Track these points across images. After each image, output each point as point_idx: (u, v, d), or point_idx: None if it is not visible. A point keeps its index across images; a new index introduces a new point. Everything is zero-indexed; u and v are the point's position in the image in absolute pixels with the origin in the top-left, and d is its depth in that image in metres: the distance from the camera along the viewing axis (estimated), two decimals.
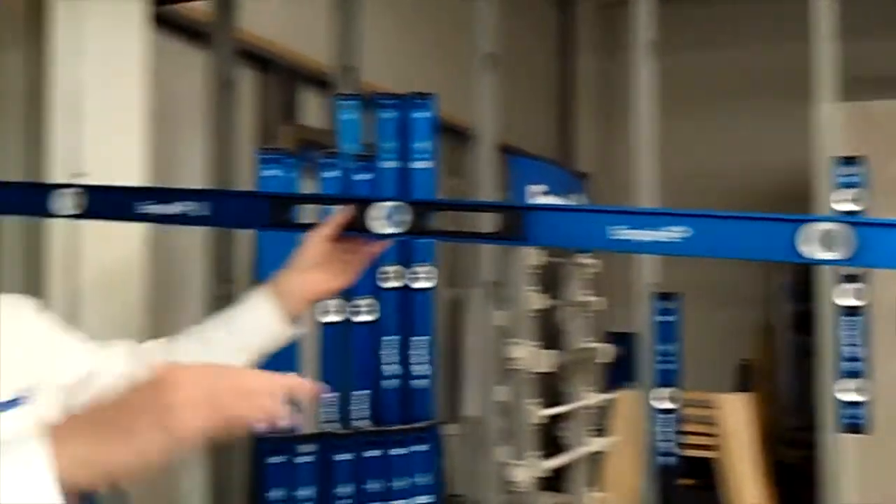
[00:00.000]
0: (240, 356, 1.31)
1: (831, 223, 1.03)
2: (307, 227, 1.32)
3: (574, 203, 2.82)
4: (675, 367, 2.17)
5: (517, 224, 1.21)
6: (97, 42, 2.16)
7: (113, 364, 1.28)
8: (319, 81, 3.17)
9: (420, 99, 1.95)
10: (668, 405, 2.18)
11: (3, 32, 2.50)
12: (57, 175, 2.15)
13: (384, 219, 1.27)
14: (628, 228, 1.13)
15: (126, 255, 2.26)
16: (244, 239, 2.72)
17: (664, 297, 2.11)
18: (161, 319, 2.39)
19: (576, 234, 1.21)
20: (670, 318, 2.14)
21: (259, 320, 1.31)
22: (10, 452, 0.77)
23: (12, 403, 1.08)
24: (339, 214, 1.29)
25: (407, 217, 1.26)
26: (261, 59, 2.91)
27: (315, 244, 1.29)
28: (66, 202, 1.43)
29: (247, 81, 2.85)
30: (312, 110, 3.17)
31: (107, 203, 1.45)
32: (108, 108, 2.19)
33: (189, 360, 1.27)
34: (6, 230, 2.41)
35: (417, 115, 1.94)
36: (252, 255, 2.82)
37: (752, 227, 1.07)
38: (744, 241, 1.08)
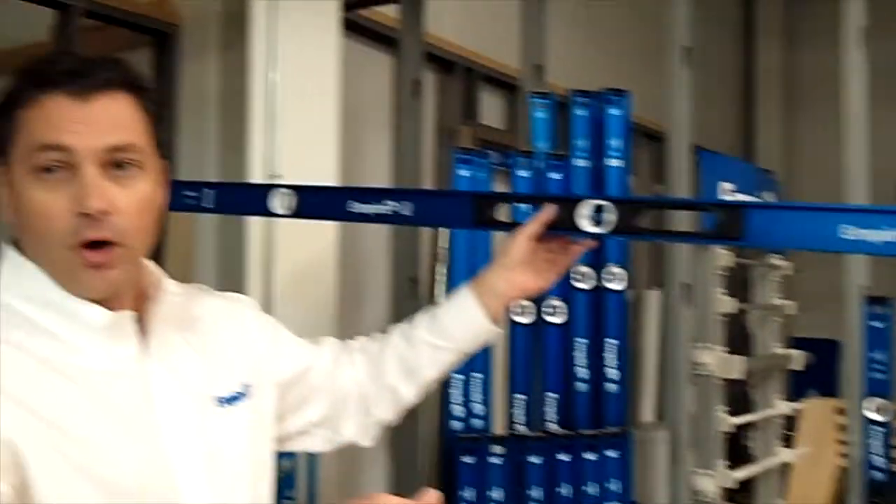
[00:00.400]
0: (444, 355, 1.31)
1: None
2: (510, 226, 1.31)
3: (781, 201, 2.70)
4: (885, 376, 2.03)
5: (735, 223, 1.14)
6: (292, 47, 2.21)
7: (324, 361, 1.31)
8: (499, 82, 3.17)
9: (615, 96, 1.90)
10: (878, 417, 2.04)
11: (201, 40, 2.62)
12: (255, 176, 2.23)
13: (589, 217, 1.23)
14: (860, 228, 1.04)
15: (318, 256, 2.32)
16: (427, 239, 2.75)
17: (876, 301, 1.98)
18: (349, 317, 2.44)
19: (801, 233, 1.13)
20: (881, 324, 2.00)
21: (464, 319, 1.30)
22: None
23: (236, 398, 1.11)
24: (544, 212, 1.27)
25: (613, 216, 1.22)
26: (441, 61, 2.92)
27: (520, 242, 1.27)
28: (279, 202, 1.48)
29: (428, 82, 2.87)
30: (491, 110, 3.16)
31: (318, 203, 1.49)
32: (303, 111, 2.24)
33: (394, 357, 1.32)
34: (205, 233, 2.52)
35: (612, 112, 1.89)
36: (433, 254, 2.86)
37: None
38: None
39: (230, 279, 2.42)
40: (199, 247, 2.58)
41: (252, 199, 1.53)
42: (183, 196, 1.55)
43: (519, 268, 1.28)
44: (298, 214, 1.47)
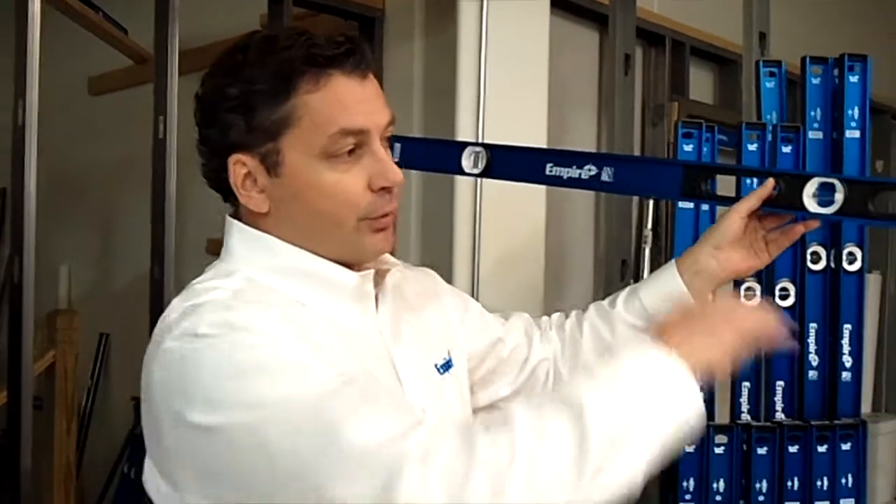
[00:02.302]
0: (638, 334, 1.25)
1: None
2: (724, 200, 1.23)
3: None
4: None
5: None
6: (501, 31, 2.19)
7: (515, 335, 1.30)
8: (708, 55, 3.04)
9: (853, 61, 1.76)
10: None
11: (406, 25, 2.64)
12: None
13: (814, 195, 1.14)
14: None
15: (524, 240, 2.29)
16: (636, 218, 2.67)
17: None
18: (555, 302, 2.40)
19: None
20: None
21: (667, 300, 1.24)
22: (640, 362, 0.92)
23: (448, 366, 1.14)
24: (762, 188, 1.19)
25: (842, 196, 1.12)
26: (649, 35, 2.83)
27: (735, 219, 1.21)
28: (470, 160, 1.45)
29: (636, 58, 2.78)
30: (699, 85, 3.04)
31: (514, 163, 1.44)
32: (511, 95, 2.22)
33: (591, 334, 1.30)
34: (410, 214, 2.54)
35: (851, 79, 1.75)
36: (638, 237, 2.77)
37: None
38: None
39: (436, 260, 2.43)
40: (403, 228, 2.61)
41: (443, 156, 1.51)
42: None
43: (731, 246, 1.22)
44: (489, 174, 1.43)
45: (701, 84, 3.05)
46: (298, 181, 0.99)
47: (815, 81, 1.78)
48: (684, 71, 2.91)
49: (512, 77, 2.22)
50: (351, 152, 0.99)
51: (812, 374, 1.85)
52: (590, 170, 1.32)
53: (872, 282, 3.66)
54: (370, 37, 2.68)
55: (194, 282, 1.02)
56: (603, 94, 2.58)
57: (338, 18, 2.71)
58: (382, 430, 0.83)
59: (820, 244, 1.81)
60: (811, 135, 1.80)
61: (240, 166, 1.00)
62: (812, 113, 1.79)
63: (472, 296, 2.22)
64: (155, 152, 2.07)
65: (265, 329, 0.90)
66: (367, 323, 1.05)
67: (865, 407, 3.79)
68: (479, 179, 2.12)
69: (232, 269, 1.02)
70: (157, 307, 1.94)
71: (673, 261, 1.26)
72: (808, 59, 1.79)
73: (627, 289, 1.30)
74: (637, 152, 2.72)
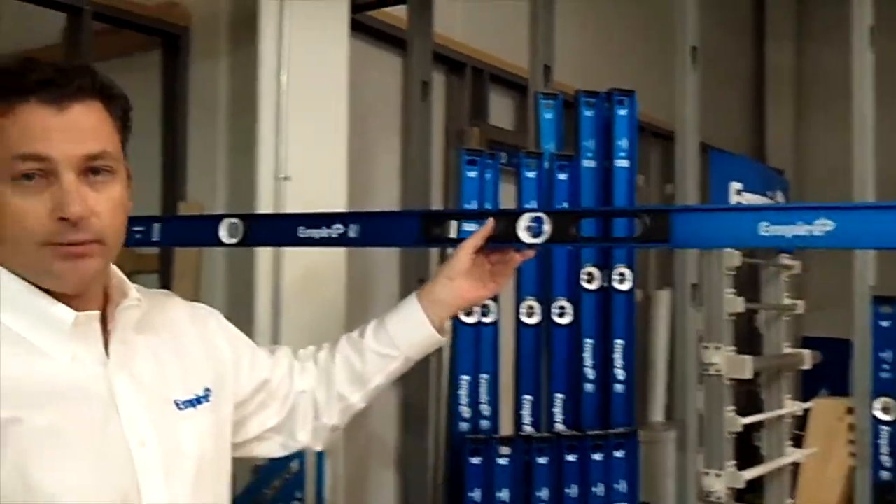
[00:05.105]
0: (390, 363, 1.35)
1: None
2: (456, 242, 1.35)
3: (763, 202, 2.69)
4: (893, 375, 2.03)
5: (663, 227, 1.19)
6: (302, 49, 2.22)
7: (281, 370, 1.35)
8: (508, 82, 3.17)
9: (622, 96, 1.90)
10: (886, 416, 2.04)
11: (210, 42, 2.63)
12: (263, 178, 2.24)
13: (528, 228, 1.29)
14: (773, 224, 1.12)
15: (327, 258, 2.33)
16: None
17: (884, 300, 1.97)
18: (357, 320, 2.44)
19: (724, 234, 1.20)
20: (889, 324, 2.00)
21: (410, 328, 1.35)
22: None
23: (197, 401, 1.15)
24: (485, 227, 1.32)
25: (549, 227, 1.27)
26: (450, 61, 2.93)
27: (462, 256, 1.33)
28: (227, 231, 1.51)
29: (437, 83, 2.88)
30: (501, 111, 3.17)
31: (268, 230, 1.55)
32: (312, 113, 2.25)
33: (343, 365, 1.36)
34: None
35: (619, 112, 1.89)
36: (441, 254, 2.86)
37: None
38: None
39: (239, 283, 2.43)
40: (207, 249, 2.59)
41: (201, 230, 1.57)
42: (132, 232, 1.58)
43: (462, 278, 1.34)
44: (247, 242, 1.51)
45: (502, 109, 3.18)
46: None
47: (588, 114, 1.91)
48: (485, 97, 3.02)
49: (313, 96, 2.26)
50: (36, 178, 0.99)
51: (588, 386, 1.97)
52: (338, 228, 1.42)
53: (663, 298, 3.92)
54: (174, 53, 2.66)
55: None
56: (402, 118, 2.66)
57: (142, 34, 2.67)
58: None
59: (594, 265, 1.94)
60: (585, 163, 1.92)
61: None
62: (586, 143, 1.92)
63: (274, 320, 2.25)
64: None
65: None
66: (87, 359, 1.04)
67: (658, 415, 4.04)
68: (279, 188, 2.17)
69: None
70: None
71: (414, 293, 1.37)
72: (581, 94, 1.91)
73: (374, 321, 1.40)
74: (439, 176, 2.81)
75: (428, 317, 1.33)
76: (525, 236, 1.29)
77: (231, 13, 2.59)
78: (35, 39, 2.64)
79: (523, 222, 1.29)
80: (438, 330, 1.35)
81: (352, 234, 1.41)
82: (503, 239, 1.30)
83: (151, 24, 2.61)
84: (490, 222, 1.32)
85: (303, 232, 1.44)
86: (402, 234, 1.45)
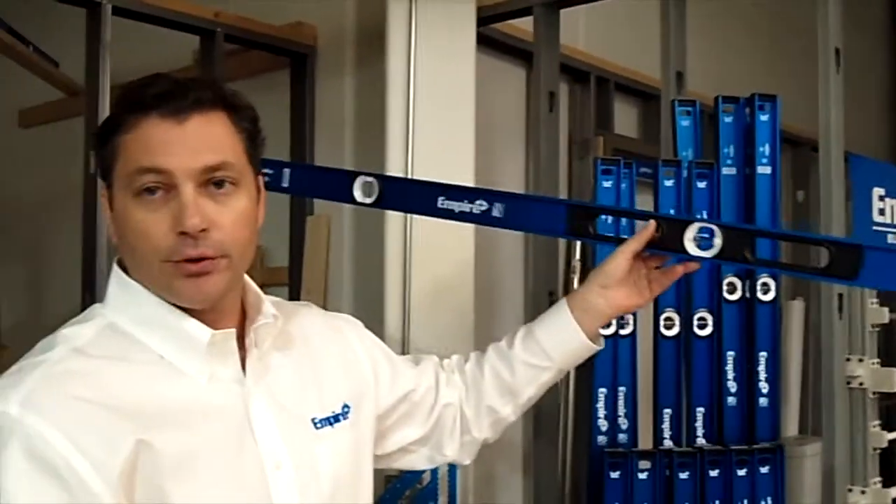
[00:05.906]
0: (542, 374, 1.31)
1: None
2: (608, 240, 1.29)
3: None
4: None
5: (851, 262, 1.11)
6: (429, 65, 2.23)
7: (426, 382, 1.32)
8: (633, 91, 3.13)
9: (763, 101, 1.84)
10: None
11: (337, 60, 2.67)
12: None
13: (694, 239, 1.20)
14: None
15: (454, 270, 2.33)
16: (562, 252, 2.73)
17: None
18: (485, 332, 2.44)
19: None
20: None
21: (561, 338, 1.31)
22: None
23: (336, 419, 1.14)
24: (645, 231, 1.26)
25: (720, 241, 1.19)
26: (575, 72, 2.91)
27: (620, 260, 1.26)
28: (361, 190, 1.46)
29: (562, 93, 2.86)
30: (625, 120, 3.13)
31: (405, 195, 1.48)
32: (440, 128, 2.26)
33: (493, 377, 1.33)
34: (342, 247, 2.56)
35: (761, 117, 1.83)
36: (567, 267, 2.83)
37: None
38: None
39: (367, 293, 2.46)
40: (335, 261, 2.63)
41: (334, 184, 1.51)
42: None
43: (617, 285, 1.28)
44: (381, 204, 1.45)
45: (626, 118, 3.15)
46: (119, 217, 1.02)
47: (728, 120, 1.86)
48: (609, 106, 2.99)
49: (440, 112, 2.26)
50: (157, 192, 0.99)
51: (731, 399, 1.91)
52: (481, 205, 1.36)
53: (796, 308, 3.78)
54: (302, 72, 2.71)
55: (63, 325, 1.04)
56: (528, 130, 2.64)
57: (271, 55, 2.74)
58: None
59: (735, 275, 1.88)
60: (725, 171, 1.87)
61: (104, 197, 1.06)
62: (725, 150, 1.87)
63: (404, 330, 2.26)
64: (86, 186, 2.07)
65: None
66: (225, 377, 1.04)
67: (792, 429, 3.90)
68: (408, 216, 2.16)
69: (96, 314, 1.04)
70: None
71: (564, 300, 1.32)
72: (720, 99, 1.86)
73: (523, 329, 1.35)
74: (564, 186, 2.79)
75: (579, 324, 1.29)
76: (691, 247, 1.21)
77: (357, 31, 2.63)
78: (167, 63, 2.73)
79: (691, 232, 1.21)
80: (592, 339, 1.31)
81: (496, 213, 1.34)
82: (664, 247, 1.23)
83: (279, 45, 2.67)
84: (651, 224, 1.25)
85: (442, 203, 1.38)
86: (548, 222, 1.36)
